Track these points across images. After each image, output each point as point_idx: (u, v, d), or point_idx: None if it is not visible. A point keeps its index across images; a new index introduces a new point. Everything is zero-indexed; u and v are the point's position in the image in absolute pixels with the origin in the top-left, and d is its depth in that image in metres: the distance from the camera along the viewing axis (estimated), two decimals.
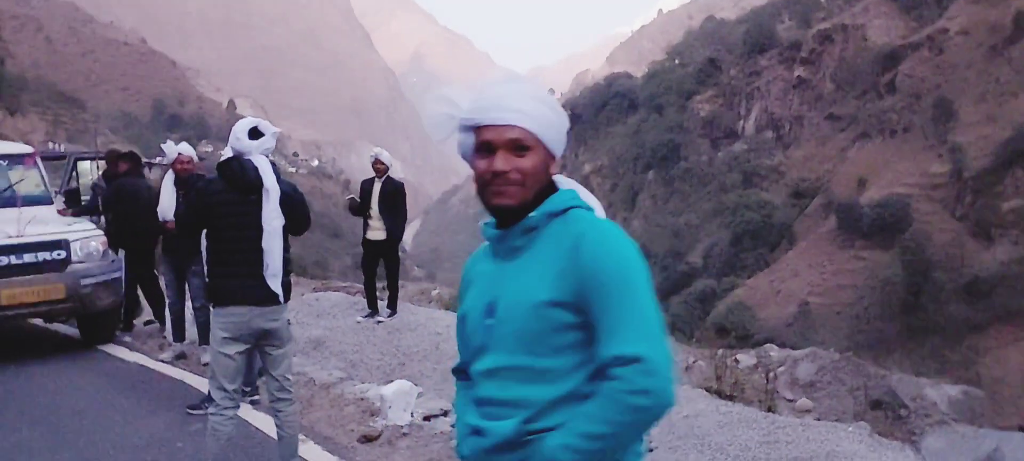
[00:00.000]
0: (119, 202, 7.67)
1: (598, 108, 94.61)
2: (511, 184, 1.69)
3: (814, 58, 69.62)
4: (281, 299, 4.01)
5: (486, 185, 1.71)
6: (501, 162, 1.68)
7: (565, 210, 1.72)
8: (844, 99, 63.83)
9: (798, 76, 70.00)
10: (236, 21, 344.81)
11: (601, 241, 1.65)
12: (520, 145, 1.69)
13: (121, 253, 7.93)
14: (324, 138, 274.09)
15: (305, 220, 4.29)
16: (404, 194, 8.82)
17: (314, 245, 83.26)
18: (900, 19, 65.72)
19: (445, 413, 5.43)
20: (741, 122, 74.42)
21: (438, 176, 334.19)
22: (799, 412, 7.75)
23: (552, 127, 1.74)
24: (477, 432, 1.72)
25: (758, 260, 52.41)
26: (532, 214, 1.70)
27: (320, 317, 9.22)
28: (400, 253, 9.40)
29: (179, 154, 6.68)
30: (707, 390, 7.25)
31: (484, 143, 1.71)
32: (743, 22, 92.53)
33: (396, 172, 9.09)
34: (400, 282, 10.87)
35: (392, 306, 9.05)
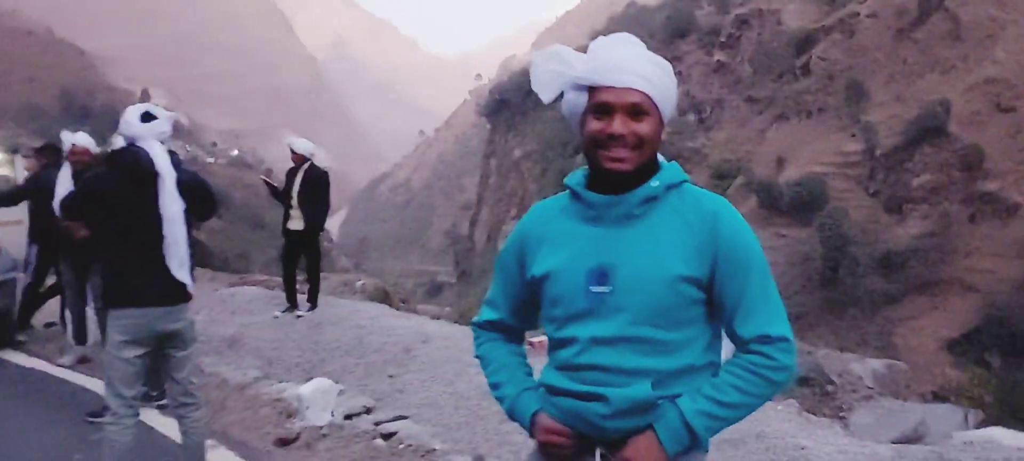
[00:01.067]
0: (35, 196, 7.17)
1: (526, 93, 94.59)
2: (629, 148, 1.66)
3: (732, 43, 70.90)
4: (190, 291, 3.72)
5: (601, 147, 1.67)
6: (620, 125, 1.65)
7: (680, 182, 1.73)
8: (762, 82, 65.09)
9: (718, 60, 71.20)
10: (148, 7, 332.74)
11: (738, 222, 1.69)
12: (639, 110, 1.66)
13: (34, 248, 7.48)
14: (244, 127, 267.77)
15: (209, 203, 4.00)
16: (327, 183, 8.51)
17: (236, 237, 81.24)
18: (813, 3, 67.30)
19: (368, 411, 5.20)
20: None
21: (365, 164, 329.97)
22: None
23: (668, 92, 1.72)
24: (592, 398, 1.67)
25: None
26: (653, 183, 1.69)
27: (236, 313, 8.82)
28: (326, 243, 9.09)
29: (73, 145, 6.24)
30: None
31: (601, 105, 1.67)
32: (664, 8, 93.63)
33: (320, 160, 8.80)
34: (323, 274, 10.57)
35: (312, 299, 8.72)
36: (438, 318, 9.71)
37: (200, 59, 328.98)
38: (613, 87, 1.65)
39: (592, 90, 1.68)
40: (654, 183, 1.69)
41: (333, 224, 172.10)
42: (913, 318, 34.00)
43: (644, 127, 1.67)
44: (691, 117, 71.67)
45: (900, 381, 8.18)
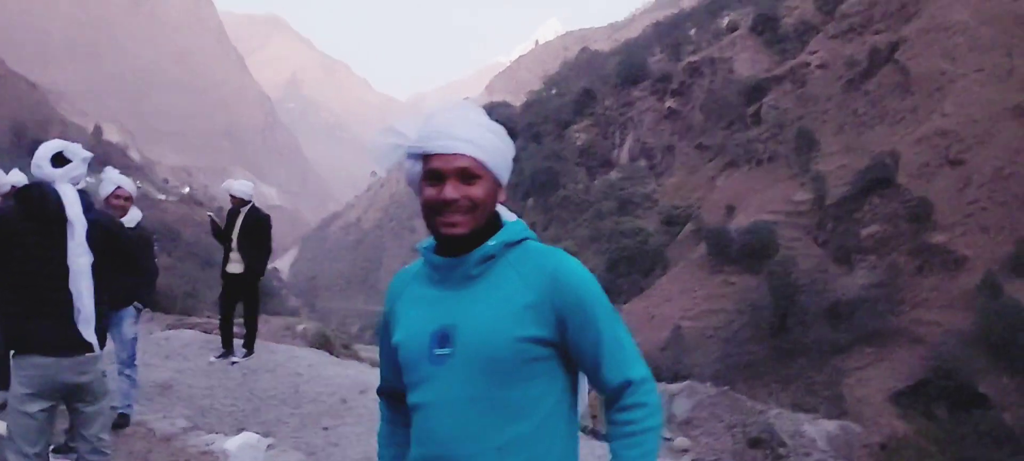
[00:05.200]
0: None
1: None
2: (462, 212, 1.68)
3: (684, 90, 72.06)
4: (96, 348, 3.44)
5: (435, 213, 1.70)
6: (451, 190, 1.68)
7: (520, 240, 1.76)
8: (713, 129, 66.13)
9: (669, 107, 72.25)
10: (102, 42, 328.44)
11: (577, 275, 1.70)
12: (469, 174, 1.69)
13: None
14: (196, 164, 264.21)
15: (126, 257, 3.70)
16: (268, 226, 8.18)
17: (185, 275, 79.53)
18: (764, 53, 68.87)
19: None
20: (616, 151, 76.15)
21: (316, 203, 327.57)
22: (677, 452, 7.55)
23: (499, 155, 1.75)
24: None
25: (633, 285, 53.35)
26: (490, 243, 1.71)
27: (170, 358, 8.41)
28: (275, 283, 8.76)
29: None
30: (583, 430, 6.98)
31: (432, 171, 1.70)
32: (616, 54, 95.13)
33: (272, 199, 8.64)
34: (267, 315, 10.20)
35: (249, 345, 8.37)
36: (377, 365, 9.40)
37: (154, 95, 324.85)
38: (442, 153, 1.69)
39: (425, 158, 1.71)
40: (491, 243, 1.71)
41: (284, 263, 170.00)
42: (861, 368, 34.27)
43: (476, 190, 1.69)
44: (642, 163, 72.47)
45: (854, 443, 8.06)
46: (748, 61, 68.56)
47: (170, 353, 8.64)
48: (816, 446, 6.81)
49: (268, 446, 4.98)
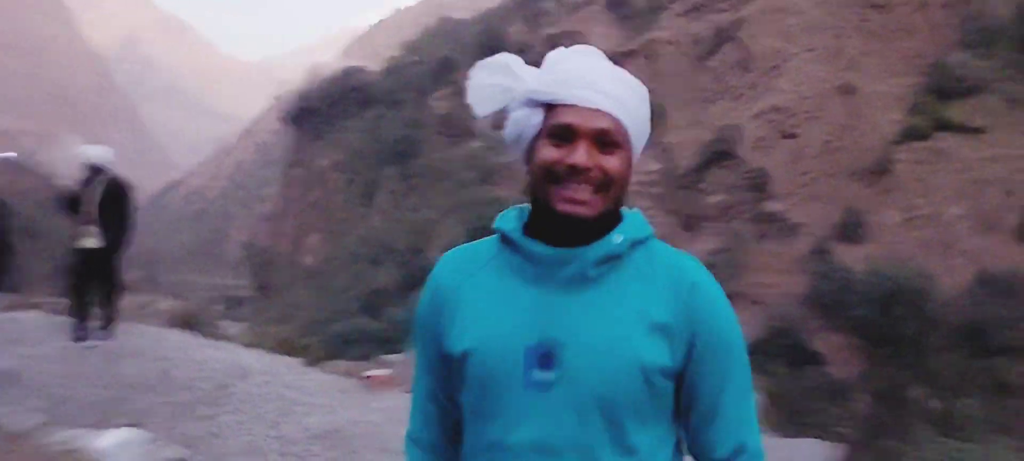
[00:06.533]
0: None
1: (333, 101, 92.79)
2: (592, 187, 1.30)
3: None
4: None
5: (554, 182, 1.31)
6: (584, 155, 1.29)
7: (647, 238, 1.40)
8: None
9: None
10: None
11: (720, 300, 1.36)
12: (609, 139, 1.32)
13: None
14: (22, 128, 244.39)
15: None
16: (128, 197, 7.67)
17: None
18: (618, 28, 70.57)
19: None
20: (476, 120, 76.25)
21: (155, 170, 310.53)
22: None
23: (643, 125, 1.39)
24: None
25: None
26: (618, 239, 1.33)
27: (15, 343, 7.72)
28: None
29: None
30: None
31: (561, 128, 1.31)
32: (476, 23, 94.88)
33: (107, 162, 7.88)
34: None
35: (109, 327, 7.82)
36: (253, 346, 8.95)
37: None
38: (578, 106, 1.31)
39: (549, 109, 1.35)
40: (617, 238, 1.33)
41: None
42: None
43: (614, 162, 1.32)
44: (502, 132, 73.01)
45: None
46: (602, 35, 69.96)
47: (15, 337, 7.94)
48: None
49: (148, 441, 4.64)
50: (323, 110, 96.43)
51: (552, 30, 75.21)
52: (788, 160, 44.41)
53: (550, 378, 1.26)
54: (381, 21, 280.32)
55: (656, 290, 1.31)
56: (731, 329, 1.35)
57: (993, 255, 32.73)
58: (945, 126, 40.93)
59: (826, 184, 42.63)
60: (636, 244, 1.36)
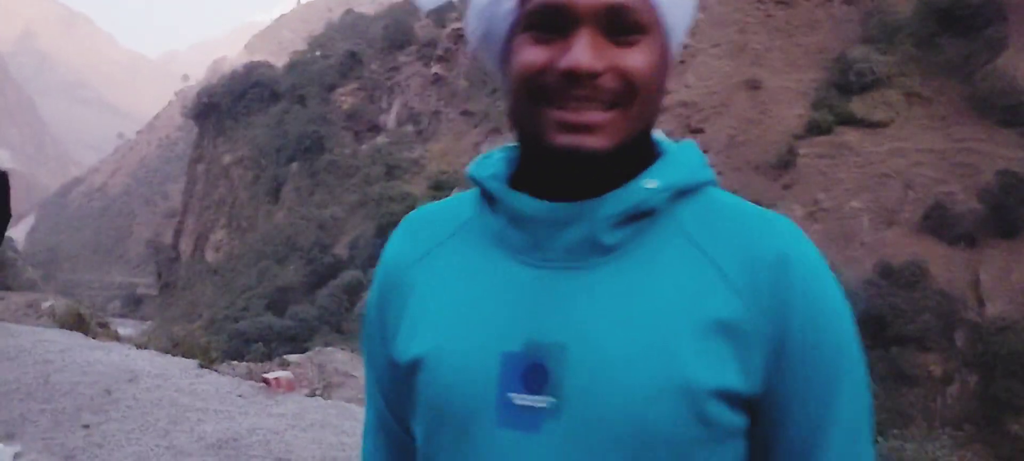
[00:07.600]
0: None
1: (237, 97, 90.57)
2: (604, 101, 0.76)
3: (449, 56, 72.79)
4: None
5: (543, 99, 0.77)
6: (587, 51, 0.74)
7: (703, 184, 0.84)
8: (477, 96, 67.22)
9: (435, 73, 72.87)
10: None
11: (824, 284, 0.80)
12: (626, 20, 0.75)
13: None
14: None
15: None
16: (6, 188, 7.24)
17: None
18: None
19: None
20: (383, 116, 75.68)
21: (55, 167, 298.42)
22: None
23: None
24: None
25: None
26: (651, 183, 0.79)
27: None
28: (10, 253, 7.31)
29: None
30: None
31: (549, 9, 0.76)
32: (382, 17, 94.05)
33: (3, 162, 7.80)
34: (2, 292, 8.91)
35: None
36: (145, 346, 8.21)
37: None
38: None
39: None
40: (649, 183, 0.80)
41: (19, 232, 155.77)
42: None
43: (637, 58, 0.76)
44: (409, 128, 72.39)
45: None
46: None
47: None
48: None
49: (15, 454, 4.31)
50: (227, 105, 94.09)
51: (458, 25, 75.05)
52: None
53: (540, 404, 0.76)
54: (284, 14, 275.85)
55: (715, 267, 0.79)
56: (842, 331, 0.80)
57: (893, 247, 33.75)
58: (847, 120, 42.35)
59: (732, 178, 43.42)
60: (682, 194, 0.82)
